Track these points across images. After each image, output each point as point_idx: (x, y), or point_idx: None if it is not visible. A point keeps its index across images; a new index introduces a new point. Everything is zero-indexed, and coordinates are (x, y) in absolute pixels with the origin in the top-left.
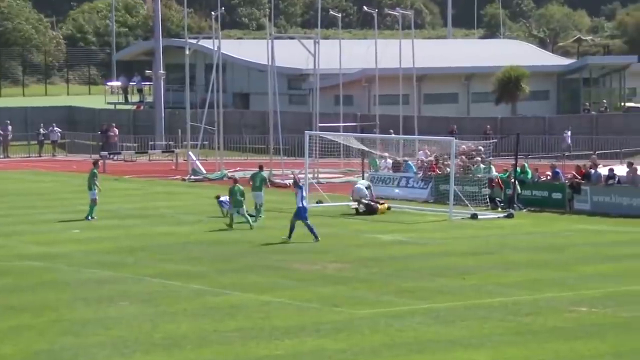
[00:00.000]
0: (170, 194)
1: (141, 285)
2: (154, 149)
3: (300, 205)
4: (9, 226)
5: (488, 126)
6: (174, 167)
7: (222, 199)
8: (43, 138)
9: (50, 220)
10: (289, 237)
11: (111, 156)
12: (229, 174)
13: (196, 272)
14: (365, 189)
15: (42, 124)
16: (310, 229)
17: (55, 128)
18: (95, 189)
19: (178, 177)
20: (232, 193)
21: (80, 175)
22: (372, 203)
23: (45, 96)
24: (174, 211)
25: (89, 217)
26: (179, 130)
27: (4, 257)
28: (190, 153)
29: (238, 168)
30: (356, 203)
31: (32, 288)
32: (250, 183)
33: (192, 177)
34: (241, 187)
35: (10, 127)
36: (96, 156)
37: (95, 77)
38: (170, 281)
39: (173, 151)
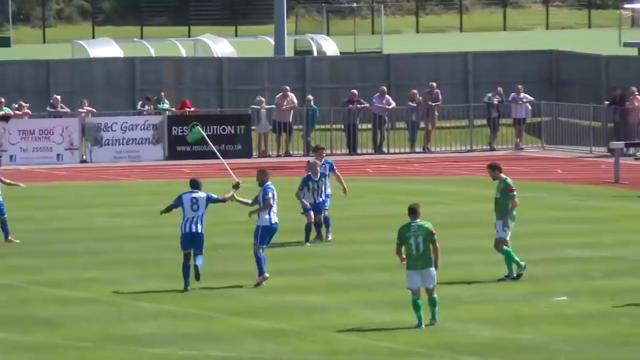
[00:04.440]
0: None
1: None
2: None
3: (268, 224)
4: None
5: None
6: None
7: None
8: (498, 113)
9: None
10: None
11: (633, 150)
12: None
13: None
14: None
15: (494, 86)
16: (259, 262)
17: (522, 94)
18: None
19: None
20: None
21: (571, 186)
22: None
23: (502, 31)
24: None
25: None
26: None
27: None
28: None
29: None
30: None
31: None
32: None
33: None
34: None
35: (438, 92)
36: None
37: None
38: None
39: None
